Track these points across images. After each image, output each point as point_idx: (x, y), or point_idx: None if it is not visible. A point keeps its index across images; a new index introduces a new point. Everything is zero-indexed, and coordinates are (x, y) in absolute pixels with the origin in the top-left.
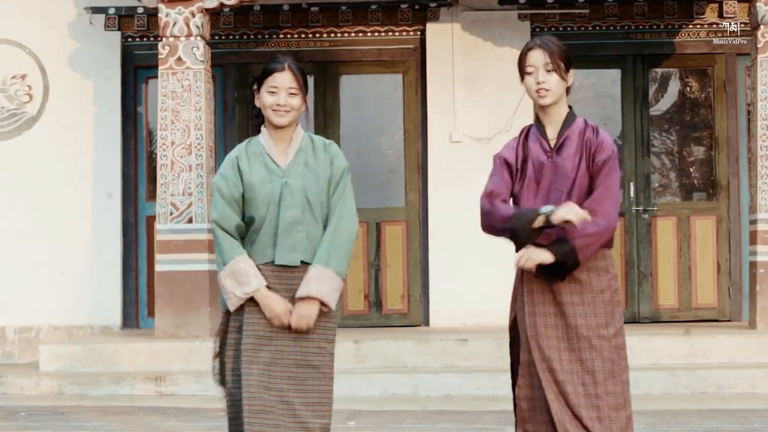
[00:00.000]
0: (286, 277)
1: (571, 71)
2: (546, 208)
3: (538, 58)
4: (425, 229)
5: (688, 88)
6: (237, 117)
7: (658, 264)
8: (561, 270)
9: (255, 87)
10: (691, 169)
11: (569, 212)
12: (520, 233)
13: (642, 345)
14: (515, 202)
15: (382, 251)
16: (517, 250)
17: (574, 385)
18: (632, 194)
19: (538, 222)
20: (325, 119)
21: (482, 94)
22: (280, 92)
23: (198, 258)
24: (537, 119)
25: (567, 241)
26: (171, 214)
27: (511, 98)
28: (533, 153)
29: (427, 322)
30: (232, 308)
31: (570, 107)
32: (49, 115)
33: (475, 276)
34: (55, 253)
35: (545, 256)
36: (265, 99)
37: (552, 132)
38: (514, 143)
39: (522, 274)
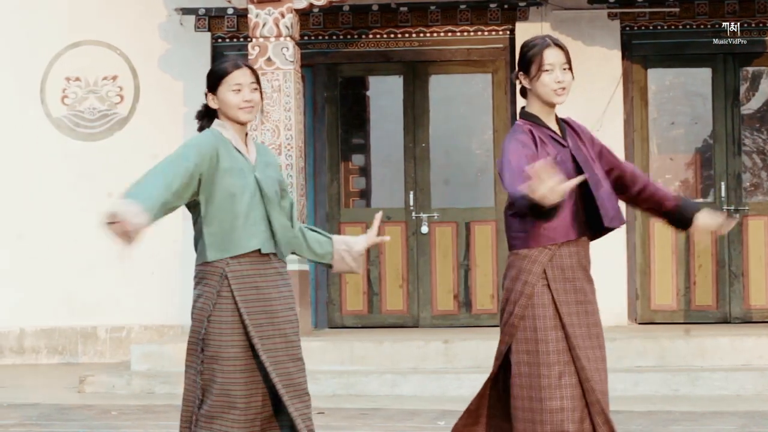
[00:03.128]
0: (271, 266)
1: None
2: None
3: (557, 56)
4: None
5: None
6: (326, 117)
7: (750, 264)
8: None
9: (207, 90)
10: None
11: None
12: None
13: (733, 345)
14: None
15: (471, 251)
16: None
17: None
18: (723, 193)
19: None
20: (415, 119)
21: (572, 93)
22: (244, 89)
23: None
24: (535, 117)
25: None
26: None
27: (600, 97)
28: (549, 147)
29: None
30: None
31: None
32: (140, 115)
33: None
34: (146, 254)
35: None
36: (230, 98)
37: (552, 126)
38: (528, 135)
39: (545, 274)
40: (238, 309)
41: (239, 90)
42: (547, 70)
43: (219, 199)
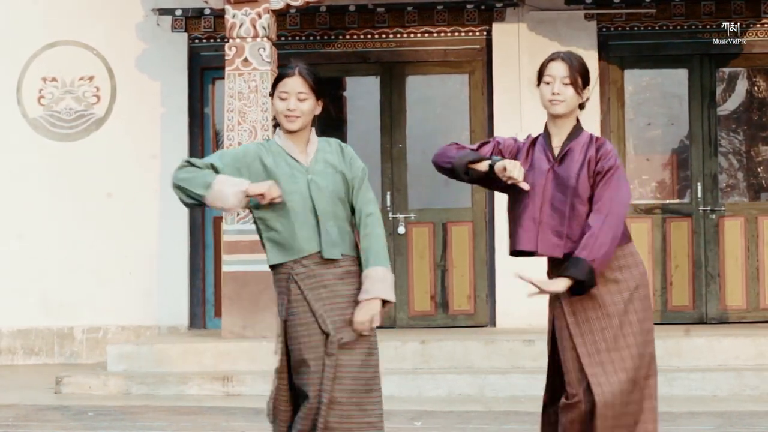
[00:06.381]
0: (328, 268)
1: (588, 89)
2: (496, 158)
3: (558, 69)
4: (491, 230)
5: (755, 88)
6: None
7: (726, 265)
8: (582, 288)
9: (270, 93)
10: (759, 169)
11: (511, 164)
12: (459, 169)
13: (709, 346)
14: (514, 210)
15: (448, 252)
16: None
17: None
18: (699, 194)
19: (482, 165)
20: (392, 120)
21: None
22: (290, 97)
23: (264, 258)
24: (545, 129)
25: (583, 262)
26: (238, 214)
27: None
28: (536, 162)
29: (493, 323)
30: (232, 211)
31: (578, 120)
32: (117, 116)
33: (541, 276)
34: (123, 254)
35: (561, 285)
36: (276, 105)
37: (557, 142)
38: (520, 143)
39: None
40: (311, 307)
41: (285, 98)
42: (546, 82)
43: (273, 206)
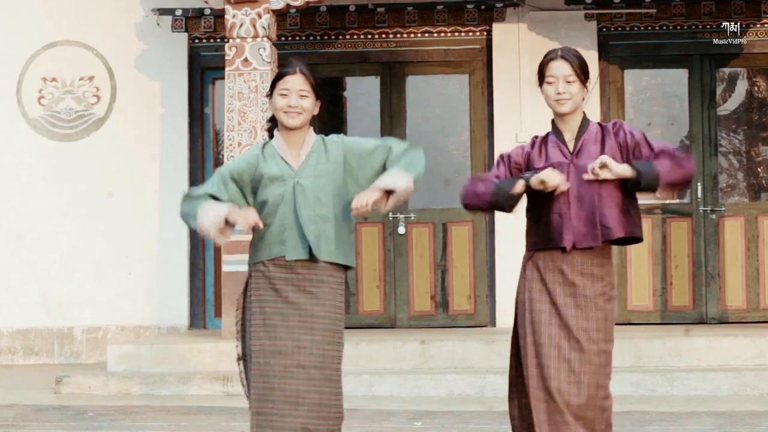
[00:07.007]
0: (296, 272)
1: (589, 81)
2: (527, 174)
3: (560, 68)
4: (492, 230)
5: (755, 88)
6: None
7: (726, 265)
8: (636, 187)
9: (268, 93)
10: (759, 169)
11: (547, 174)
12: (503, 204)
13: (709, 346)
14: (534, 209)
15: (448, 252)
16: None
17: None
18: (700, 194)
19: (519, 187)
20: (391, 120)
21: None
22: (291, 94)
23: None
24: (554, 126)
25: (653, 167)
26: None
27: None
28: (553, 158)
29: (493, 323)
30: (219, 240)
31: (584, 113)
32: (117, 116)
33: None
34: (123, 254)
35: (624, 171)
36: (277, 102)
37: (569, 137)
38: (527, 147)
39: (525, 272)
40: (252, 312)
41: (286, 95)
42: (549, 82)
43: (260, 208)
